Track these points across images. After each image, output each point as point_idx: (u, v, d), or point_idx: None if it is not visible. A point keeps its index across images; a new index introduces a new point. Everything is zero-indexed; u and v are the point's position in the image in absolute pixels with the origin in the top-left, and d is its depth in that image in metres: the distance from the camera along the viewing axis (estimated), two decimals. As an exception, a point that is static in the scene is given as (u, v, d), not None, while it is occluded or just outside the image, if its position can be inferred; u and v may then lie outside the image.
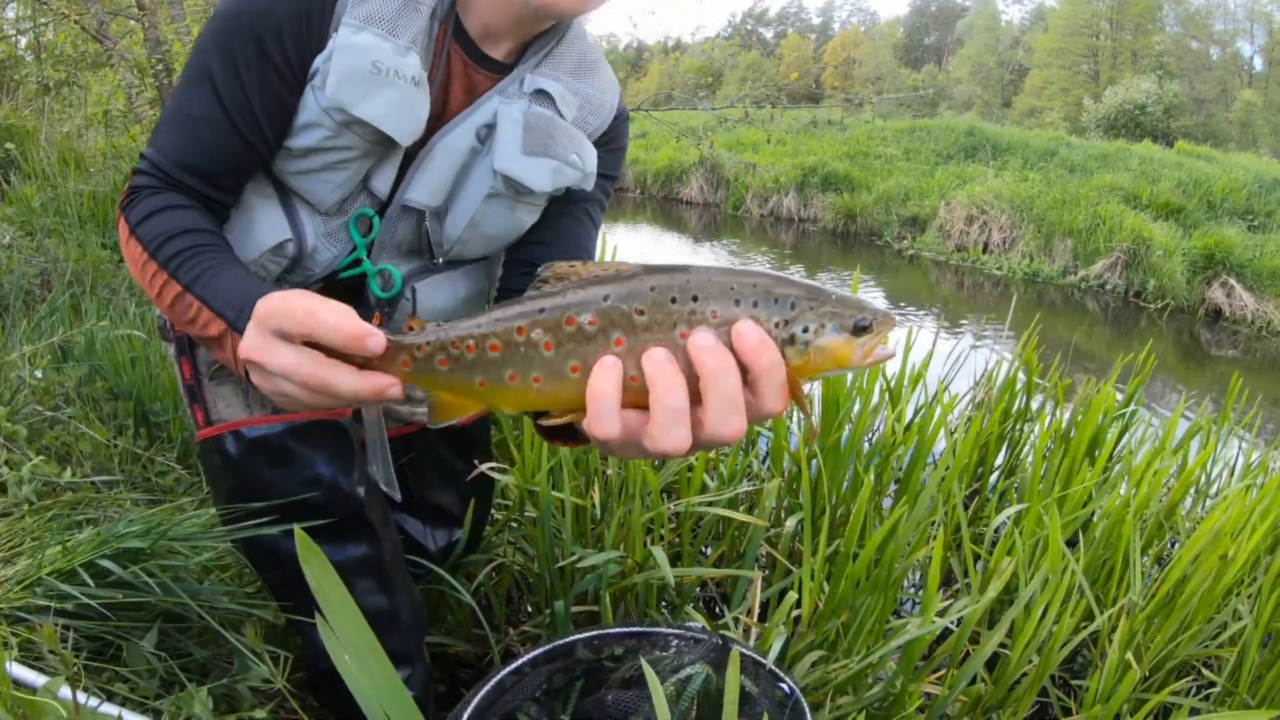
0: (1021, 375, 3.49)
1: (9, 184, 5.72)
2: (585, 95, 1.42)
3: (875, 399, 3.07)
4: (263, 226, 1.33)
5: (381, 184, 1.35)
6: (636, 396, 0.81)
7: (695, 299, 0.81)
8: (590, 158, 1.42)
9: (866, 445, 2.85)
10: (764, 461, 3.07)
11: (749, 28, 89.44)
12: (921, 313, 10.24)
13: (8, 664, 1.09)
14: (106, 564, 1.34)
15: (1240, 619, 2.26)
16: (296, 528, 0.96)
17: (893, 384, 3.16)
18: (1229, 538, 2.11)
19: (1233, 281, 11.31)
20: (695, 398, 0.81)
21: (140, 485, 2.11)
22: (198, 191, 1.26)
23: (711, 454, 2.76)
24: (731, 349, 0.80)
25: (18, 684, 1.15)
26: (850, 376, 3.00)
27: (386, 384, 0.92)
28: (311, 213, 1.36)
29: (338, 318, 0.90)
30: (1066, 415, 3.44)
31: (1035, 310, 10.94)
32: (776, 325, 0.82)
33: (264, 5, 1.20)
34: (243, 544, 1.44)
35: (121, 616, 1.43)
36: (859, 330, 0.83)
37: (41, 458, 1.92)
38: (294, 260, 1.37)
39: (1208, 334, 10.74)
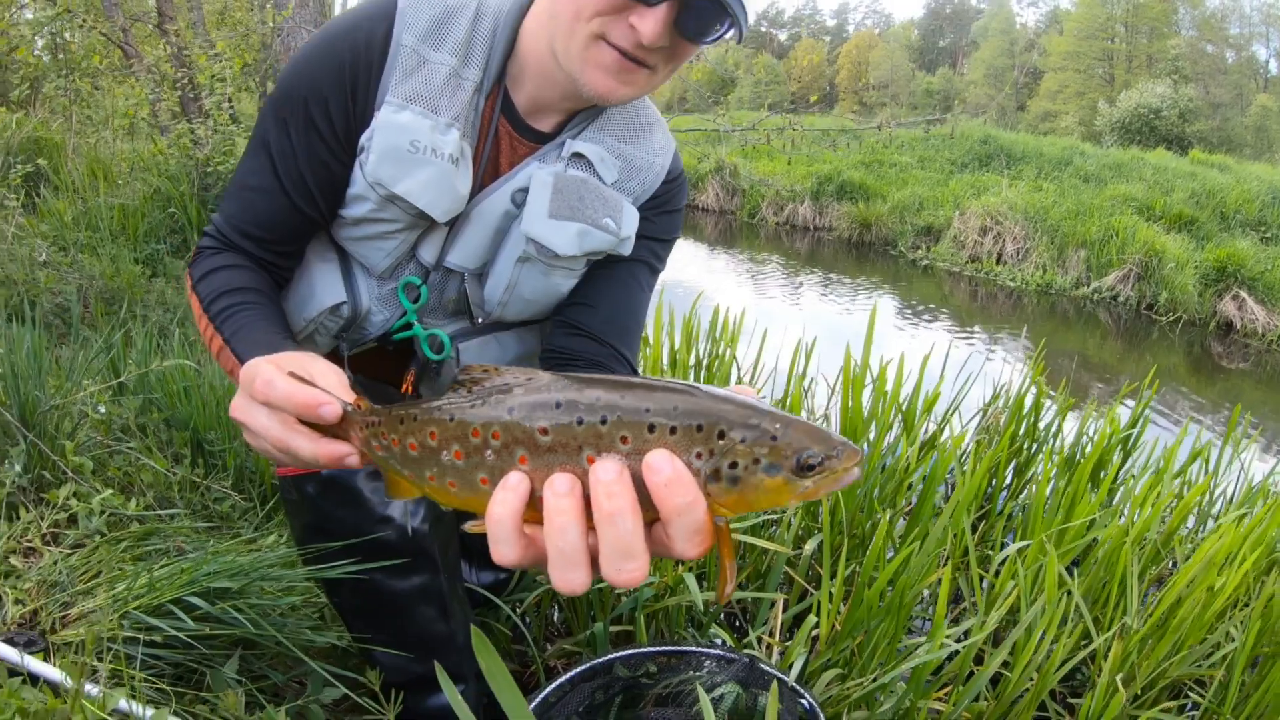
0: (1029, 399, 3.61)
1: (39, 197, 5.83)
2: (630, 157, 1.45)
3: (892, 415, 3.21)
4: (322, 289, 1.43)
5: (429, 253, 1.43)
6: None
7: (604, 420, 0.70)
8: (628, 221, 1.43)
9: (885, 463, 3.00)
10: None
11: (763, 29, 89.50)
12: (936, 324, 10.33)
13: (122, 701, 1.22)
14: (194, 600, 1.49)
15: (1233, 641, 2.39)
16: (474, 629, 0.99)
17: (905, 408, 3.29)
18: (1217, 569, 2.23)
19: (1244, 294, 11.34)
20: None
21: (199, 513, 2.25)
22: (253, 254, 1.37)
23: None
24: (645, 472, 0.68)
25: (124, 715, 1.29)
26: (868, 397, 3.16)
27: (343, 452, 0.92)
28: (368, 276, 1.45)
29: (290, 388, 0.91)
30: (1070, 438, 3.56)
31: (1048, 321, 11.05)
32: (699, 456, 0.69)
33: (311, 79, 1.29)
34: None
35: (202, 644, 1.58)
36: (803, 470, 0.69)
37: (110, 490, 2.07)
38: (349, 321, 1.46)
39: (1219, 347, 10.78)
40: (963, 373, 3.83)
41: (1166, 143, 33.33)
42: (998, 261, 13.75)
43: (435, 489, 0.82)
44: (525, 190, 1.38)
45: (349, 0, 10.67)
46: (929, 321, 10.44)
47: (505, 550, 0.73)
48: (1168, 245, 12.09)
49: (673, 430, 0.69)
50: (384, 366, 1.62)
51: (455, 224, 1.42)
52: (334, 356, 1.54)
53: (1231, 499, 3.51)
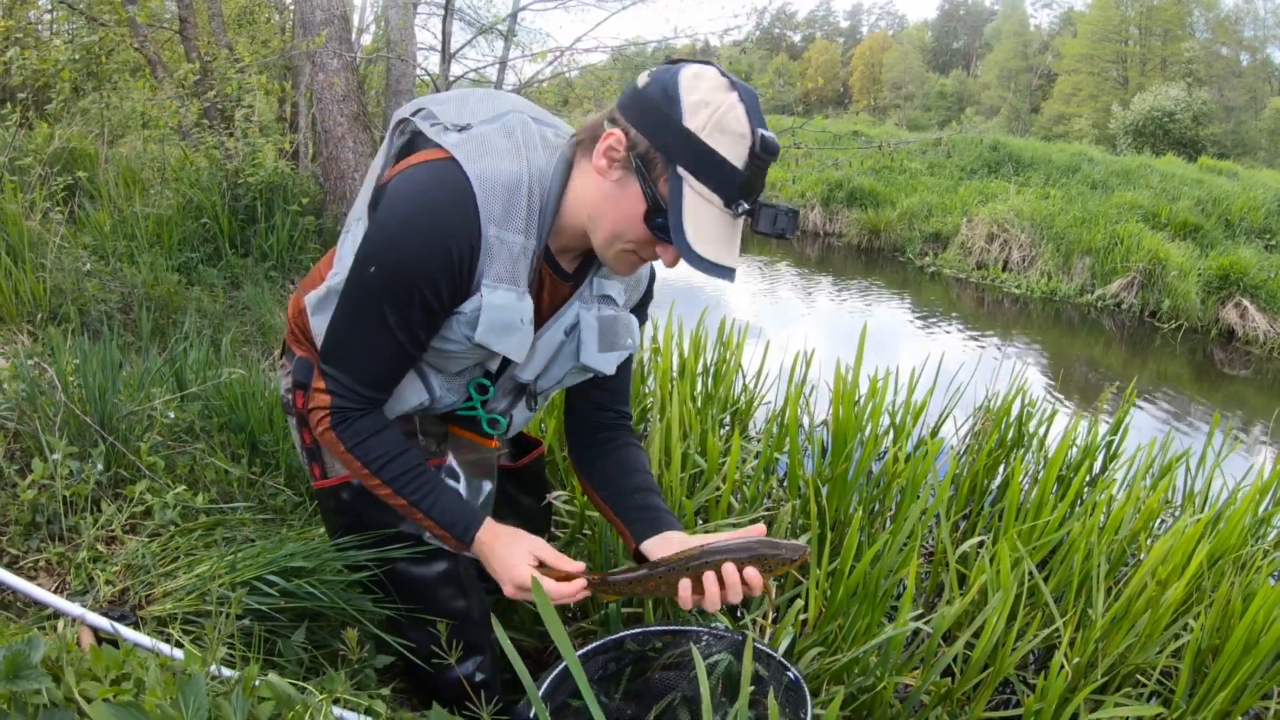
0: (1016, 406, 3.85)
1: (78, 208, 6.05)
2: (627, 279, 1.85)
3: (885, 421, 3.46)
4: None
5: (493, 366, 1.80)
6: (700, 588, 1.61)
7: (724, 559, 1.59)
8: (636, 334, 1.88)
9: (875, 467, 3.25)
10: (782, 484, 3.46)
11: (777, 31, 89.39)
12: (941, 329, 10.52)
13: (211, 665, 1.49)
14: (272, 578, 1.76)
15: (1190, 632, 2.64)
16: (533, 574, 1.56)
17: (898, 418, 3.54)
18: (1174, 567, 2.48)
19: (1246, 302, 11.46)
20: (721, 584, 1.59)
21: (257, 506, 2.52)
22: (381, 400, 1.71)
23: (737, 476, 3.14)
24: (743, 575, 1.58)
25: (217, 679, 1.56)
26: (861, 400, 3.42)
27: (583, 593, 1.67)
28: (437, 373, 1.78)
29: (564, 589, 1.64)
30: (1055, 442, 3.79)
31: (1053, 328, 11.23)
32: (760, 566, 1.60)
33: (424, 266, 1.53)
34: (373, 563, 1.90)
35: (272, 618, 1.85)
36: (790, 560, 1.61)
37: (182, 486, 2.34)
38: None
39: (1220, 354, 10.90)
40: (959, 377, 4.05)
41: (1180, 146, 33.32)
42: (1004, 268, 13.94)
43: (638, 593, 1.70)
44: (574, 325, 1.78)
45: (366, 14, 10.93)
46: (935, 327, 10.64)
47: (686, 602, 1.60)
48: (1171, 253, 12.23)
49: (751, 560, 1.60)
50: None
51: None
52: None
53: (1203, 504, 3.74)
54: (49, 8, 8.84)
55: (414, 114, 1.69)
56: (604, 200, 1.54)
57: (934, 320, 11.13)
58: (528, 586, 1.59)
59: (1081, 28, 52.88)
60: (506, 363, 1.81)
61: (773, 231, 1.50)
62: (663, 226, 1.49)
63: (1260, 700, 2.54)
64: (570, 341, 1.78)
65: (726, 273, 1.51)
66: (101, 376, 2.52)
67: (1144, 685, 2.61)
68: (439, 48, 7.74)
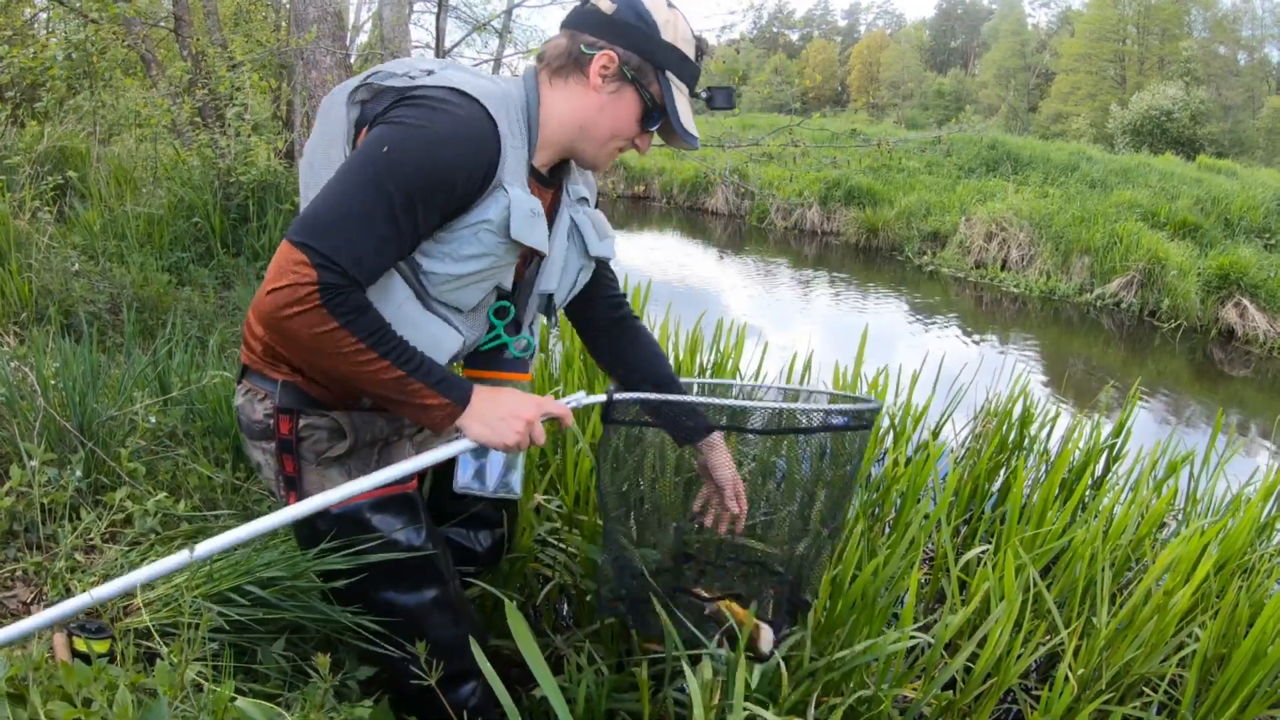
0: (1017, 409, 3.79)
1: (68, 207, 5.99)
2: (586, 180, 2.02)
3: (885, 424, 3.39)
4: (442, 340, 1.75)
5: (507, 282, 1.81)
6: None
7: None
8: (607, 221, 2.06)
9: (874, 471, 3.19)
10: (779, 487, 3.40)
11: (774, 30, 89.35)
12: (940, 329, 10.47)
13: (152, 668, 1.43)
14: (250, 588, 1.70)
15: (1197, 640, 2.58)
16: (509, 605, 1.43)
17: (898, 421, 3.48)
18: (1180, 575, 2.42)
19: (1246, 302, 11.42)
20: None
21: (240, 513, 2.45)
22: (365, 285, 1.58)
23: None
24: None
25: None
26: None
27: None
28: (456, 313, 1.76)
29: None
30: (1057, 446, 3.74)
31: (1052, 328, 11.19)
32: None
33: (449, 170, 1.57)
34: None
35: (253, 630, 1.79)
36: None
37: (163, 493, 2.28)
38: (459, 354, 1.83)
39: (1220, 353, 10.85)
40: (959, 379, 4.00)
41: (1178, 145, 33.30)
42: (1002, 267, 13.90)
43: None
44: (571, 226, 1.91)
45: (361, 12, 10.87)
46: (933, 326, 10.60)
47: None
48: (1171, 252, 12.19)
49: None
50: None
51: (526, 259, 1.88)
52: None
53: (1208, 508, 3.68)
54: (44, 6, 8.77)
55: (363, 83, 1.73)
56: (600, 111, 1.76)
57: (932, 320, 11.08)
58: (532, 419, 1.70)
59: (1079, 27, 52.89)
60: (517, 284, 1.88)
61: (726, 105, 1.87)
62: (652, 120, 1.78)
63: (1269, 710, 2.48)
64: (574, 242, 1.93)
65: (696, 140, 1.82)
66: (81, 380, 2.46)
67: (1149, 696, 2.56)
68: (433, 45, 7.67)
